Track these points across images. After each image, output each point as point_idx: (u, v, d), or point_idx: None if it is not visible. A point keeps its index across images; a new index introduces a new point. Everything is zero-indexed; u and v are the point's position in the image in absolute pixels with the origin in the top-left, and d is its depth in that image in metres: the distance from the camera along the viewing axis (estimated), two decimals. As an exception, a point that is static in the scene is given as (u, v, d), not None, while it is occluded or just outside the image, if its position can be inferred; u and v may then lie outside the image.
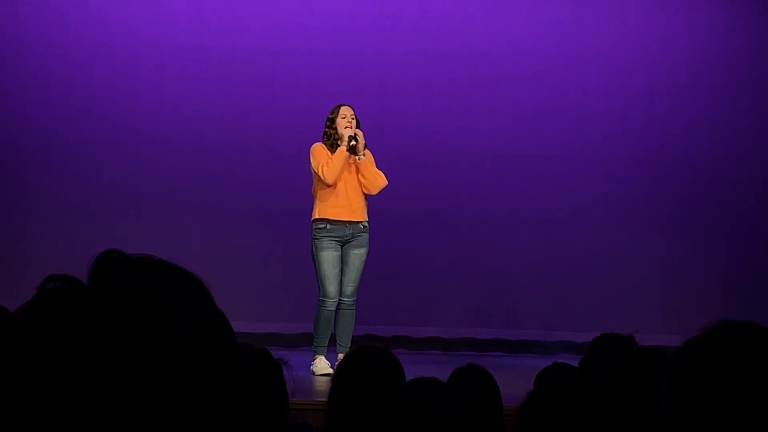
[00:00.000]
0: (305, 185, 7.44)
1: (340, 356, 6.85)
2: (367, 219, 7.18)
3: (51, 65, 9.03)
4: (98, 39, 9.03)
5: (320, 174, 6.98)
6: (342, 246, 7.12)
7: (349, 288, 7.14)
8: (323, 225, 7.08)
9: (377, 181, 7.11)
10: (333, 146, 7.09)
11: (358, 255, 7.12)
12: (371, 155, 7.22)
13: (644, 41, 9.28)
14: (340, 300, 7.14)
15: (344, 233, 7.08)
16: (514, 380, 5.01)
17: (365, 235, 7.14)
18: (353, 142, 7.01)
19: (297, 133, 8.38)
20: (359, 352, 3.41)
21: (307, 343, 7.29)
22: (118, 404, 1.00)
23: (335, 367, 3.67)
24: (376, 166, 7.23)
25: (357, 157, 7.03)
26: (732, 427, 1.41)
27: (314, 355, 7.13)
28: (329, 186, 7.03)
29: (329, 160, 6.99)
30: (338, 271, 7.10)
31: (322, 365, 7.07)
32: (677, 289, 9.08)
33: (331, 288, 7.07)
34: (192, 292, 1.08)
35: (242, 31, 9.12)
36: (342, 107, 7.17)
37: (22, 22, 9.04)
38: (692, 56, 9.30)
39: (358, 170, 7.11)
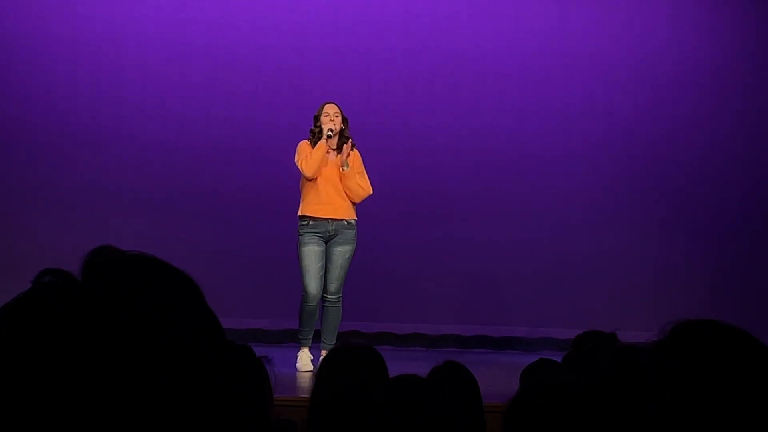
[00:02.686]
0: (290, 182, 7.45)
1: (323, 353, 6.88)
2: (354, 218, 7.20)
3: (35, 62, 9.00)
4: (82, 35, 9.00)
5: (300, 168, 7.10)
6: (327, 242, 7.14)
7: (333, 285, 7.14)
8: (306, 222, 7.12)
9: (358, 191, 7.19)
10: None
11: (341, 252, 7.12)
12: (360, 159, 7.23)
13: (629, 40, 9.30)
14: (324, 297, 7.16)
15: (327, 229, 7.11)
16: (498, 376, 5.02)
17: (350, 232, 7.15)
18: (329, 134, 7.08)
19: (281, 130, 8.38)
20: (343, 348, 3.41)
21: (290, 340, 7.30)
22: (109, 399, 1.01)
23: (319, 363, 3.67)
24: (363, 164, 7.29)
25: (341, 168, 7.08)
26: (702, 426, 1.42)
27: (300, 348, 7.17)
28: (310, 180, 7.11)
29: (309, 154, 7.04)
30: (320, 266, 7.11)
31: (303, 361, 7.11)
32: (661, 287, 9.11)
33: (312, 283, 7.09)
34: (183, 290, 1.09)
35: (226, 27, 9.11)
36: (326, 105, 7.27)
37: (4, 18, 9.00)
38: (677, 55, 9.32)
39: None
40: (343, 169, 7.11)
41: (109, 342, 1.01)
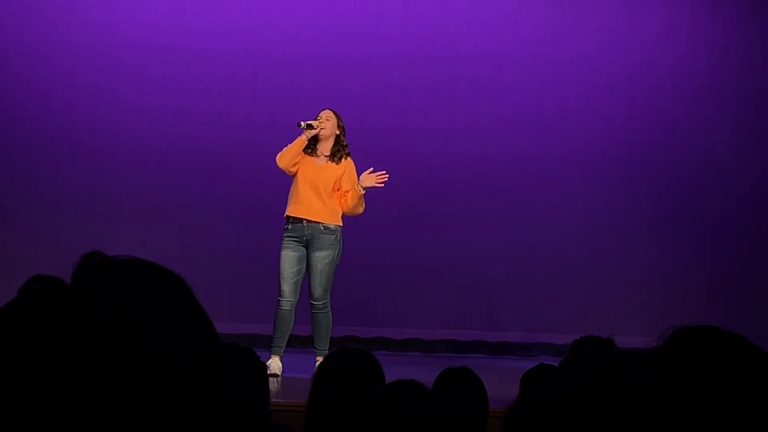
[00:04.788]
0: (286, 186, 7.44)
1: (319, 359, 6.84)
2: (336, 223, 7.15)
3: (32, 66, 9.00)
4: (79, 39, 9.00)
5: (275, 159, 7.14)
6: (306, 248, 7.13)
7: (317, 291, 7.12)
8: (286, 225, 7.17)
9: (355, 211, 7.25)
10: (312, 146, 7.22)
11: (320, 257, 7.09)
12: (354, 170, 7.26)
13: (625, 44, 9.31)
14: (310, 303, 7.16)
15: (303, 233, 7.10)
16: (495, 382, 5.02)
17: (328, 237, 7.11)
18: (303, 125, 7.11)
19: (278, 134, 8.36)
20: (339, 353, 3.41)
21: (288, 345, 7.27)
22: (105, 406, 1.00)
23: (316, 368, 3.66)
24: (360, 168, 7.32)
25: (357, 189, 7.12)
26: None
27: (270, 356, 7.10)
28: (291, 176, 7.17)
29: (287, 147, 7.17)
30: (296, 271, 7.11)
31: (271, 367, 6.92)
32: (658, 292, 9.11)
33: (285, 287, 7.10)
34: (176, 293, 1.09)
35: (224, 31, 9.11)
36: (322, 111, 7.30)
37: (2, 22, 9.00)
38: (673, 59, 9.33)
39: (342, 188, 7.17)
40: (359, 191, 7.14)
41: (103, 348, 1.01)
